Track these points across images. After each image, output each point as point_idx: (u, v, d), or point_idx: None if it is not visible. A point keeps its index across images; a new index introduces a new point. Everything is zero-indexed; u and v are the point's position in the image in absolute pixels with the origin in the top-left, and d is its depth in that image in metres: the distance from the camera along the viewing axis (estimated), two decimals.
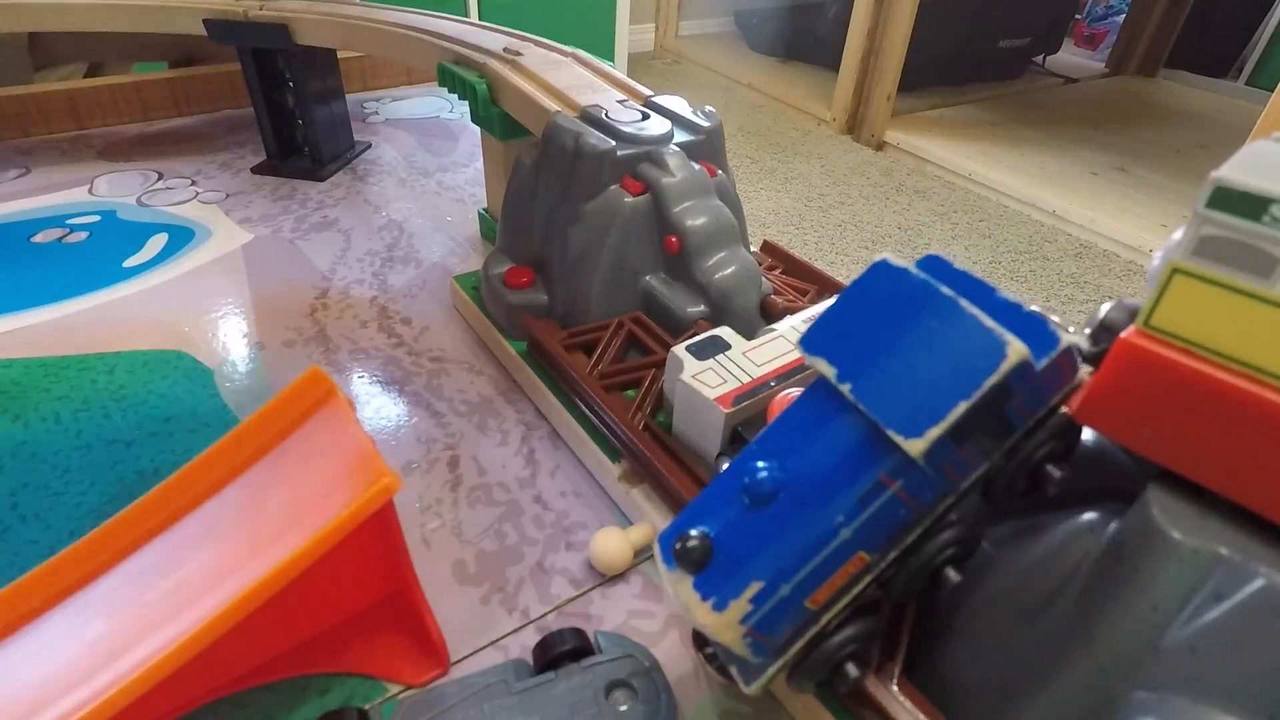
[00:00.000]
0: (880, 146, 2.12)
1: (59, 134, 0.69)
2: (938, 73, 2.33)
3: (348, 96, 0.69)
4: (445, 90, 0.49)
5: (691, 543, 0.19)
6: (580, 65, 0.49)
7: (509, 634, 0.29)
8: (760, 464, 0.19)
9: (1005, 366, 0.16)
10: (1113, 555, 0.20)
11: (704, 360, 0.33)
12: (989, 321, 0.17)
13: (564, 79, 0.45)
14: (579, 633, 0.25)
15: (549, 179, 0.40)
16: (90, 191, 0.60)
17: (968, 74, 2.44)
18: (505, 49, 0.49)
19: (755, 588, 0.18)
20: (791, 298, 0.43)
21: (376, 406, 0.40)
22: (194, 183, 0.62)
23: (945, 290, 0.17)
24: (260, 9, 0.57)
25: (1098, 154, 2.03)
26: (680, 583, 0.19)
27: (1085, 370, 0.20)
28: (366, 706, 0.24)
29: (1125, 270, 1.61)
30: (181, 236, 0.54)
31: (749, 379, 0.32)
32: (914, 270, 0.18)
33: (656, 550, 0.20)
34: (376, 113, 0.78)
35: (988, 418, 0.17)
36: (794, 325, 0.36)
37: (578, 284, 0.40)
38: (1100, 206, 1.75)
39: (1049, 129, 2.19)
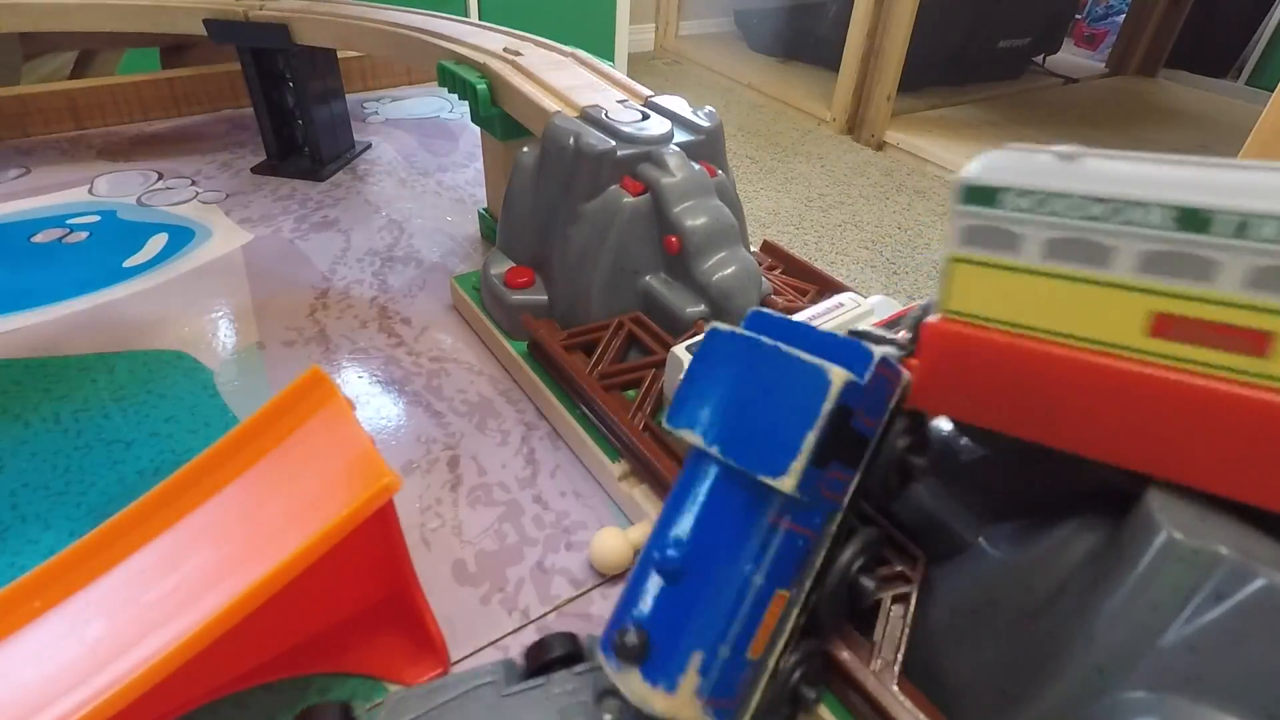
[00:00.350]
0: (880, 146, 2.12)
1: (59, 134, 0.69)
2: (938, 73, 2.33)
3: (348, 96, 0.69)
4: (445, 90, 0.49)
5: (629, 637, 0.19)
6: (580, 65, 0.49)
7: (509, 634, 0.29)
8: (666, 542, 0.20)
9: (833, 391, 0.18)
10: (1113, 555, 0.20)
11: None
12: (809, 357, 0.19)
13: (564, 79, 0.45)
14: (573, 638, 0.25)
15: (549, 179, 0.40)
16: (90, 191, 0.60)
17: (968, 74, 2.44)
18: (505, 49, 0.49)
19: (698, 659, 0.19)
20: (791, 298, 0.43)
21: (376, 406, 0.40)
22: (194, 183, 0.62)
23: (767, 340, 0.19)
24: (260, 9, 0.57)
25: None
26: (629, 678, 0.19)
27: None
28: (351, 701, 0.23)
29: None
30: (181, 236, 0.54)
31: None
32: (740, 330, 0.20)
33: (601, 657, 0.21)
34: (376, 113, 0.78)
35: (839, 438, 0.19)
36: None
37: (578, 284, 0.40)
38: None
39: (1049, 129, 2.19)
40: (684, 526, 0.20)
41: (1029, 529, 0.24)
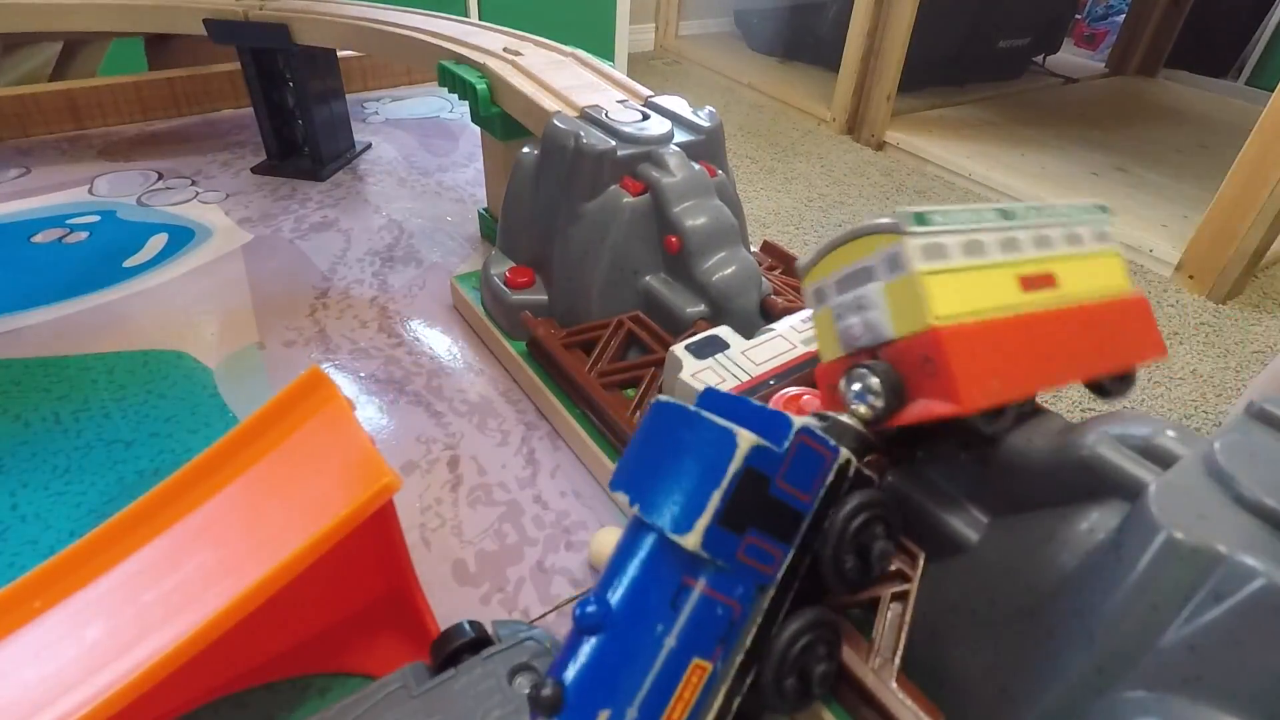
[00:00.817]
0: (880, 146, 2.12)
1: (59, 134, 0.69)
2: (938, 73, 2.33)
3: (348, 96, 0.69)
4: (445, 90, 0.49)
5: (545, 690, 0.19)
6: (580, 65, 0.49)
7: None
8: (589, 599, 0.20)
9: (739, 453, 0.19)
10: (1112, 554, 0.20)
11: (703, 359, 0.33)
12: (723, 421, 0.19)
13: (564, 79, 0.45)
14: (475, 625, 0.25)
15: (549, 179, 0.40)
16: (90, 191, 0.60)
17: (968, 74, 2.44)
18: (505, 49, 0.49)
19: (603, 717, 0.19)
20: (791, 298, 0.43)
21: (377, 406, 0.40)
22: (194, 183, 0.62)
23: (693, 409, 0.20)
24: (260, 9, 0.57)
25: (1098, 154, 2.03)
26: None
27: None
28: None
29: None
30: (181, 236, 0.54)
31: (748, 377, 0.32)
32: (677, 403, 0.21)
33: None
34: (376, 113, 0.78)
35: (752, 503, 0.19)
36: (793, 325, 0.36)
37: (578, 284, 0.40)
38: None
39: (1049, 129, 2.19)
40: (610, 584, 0.20)
41: (1029, 529, 0.24)
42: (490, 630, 0.25)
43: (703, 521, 0.19)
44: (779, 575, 0.20)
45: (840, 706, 0.25)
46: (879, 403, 0.23)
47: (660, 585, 0.20)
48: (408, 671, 0.23)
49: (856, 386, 0.23)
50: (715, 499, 0.19)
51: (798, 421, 0.20)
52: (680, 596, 0.19)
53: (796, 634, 0.21)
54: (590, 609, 0.20)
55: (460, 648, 0.24)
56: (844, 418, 0.23)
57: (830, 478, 0.21)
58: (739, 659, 0.20)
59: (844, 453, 0.21)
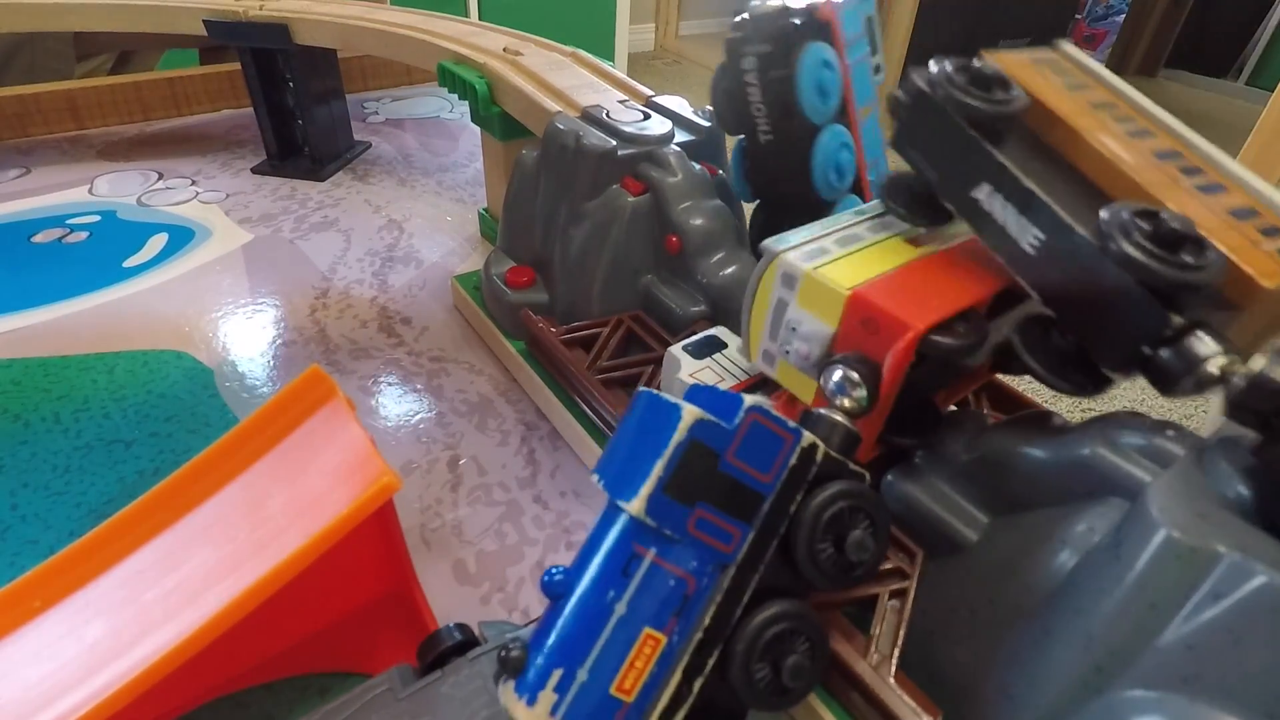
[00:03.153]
0: None
1: (59, 134, 0.69)
2: None
3: (348, 96, 0.69)
4: (445, 90, 0.49)
5: (512, 652, 0.20)
6: (580, 65, 0.49)
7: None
8: (556, 567, 0.21)
9: (682, 425, 0.20)
10: (1111, 554, 0.20)
11: (701, 359, 0.33)
12: (673, 399, 0.20)
13: (564, 79, 0.45)
14: (463, 627, 0.24)
15: (549, 179, 0.40)
16: (90, 191, 0.60)
17: None
18: (505, 49, 0.49)
19: (556, 675, 0.20)
20: None
21: (376, 406, 0.40)
22: (194, 183, 0.62)
23: (660, 394, 0.21)
24: (260, 9, 0.57)
25: None
26: (505, 688, 0.20)
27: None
28: None
29: None
30: (181, 236, 0.55)
31: (745, 377, 0.32)
32: (650, 390, 0.22)
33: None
34: (376, 113, 0.79)
35: (701, 476, 0.20)
36: None
37: (578, 283, 0.40)
38: None
39: None
40: (579, 555, 0.21)
41: (1029, 529, 0.24)
42: (477, 631, 0.25)
43: (646, 488, 0.19)
44: (740, 555, 0.20)
45: (839, 705, 0.25)
46: (859, 388, 0.23)
47: (614, 554, 0.20)
48: (394, 674, 0.23)
49: (834, 381, 0.24)
50: (659, 467, 0.20)
51: (749, 400, 0.20)
52: (632, 565, 0.20)
53: (768, 621, 0.21)
54: (557, 576, 0.21)
55: (447, 651, 0.23)
56: (832, 414, 0.23)
57: (793, 460, 0.21)
58: (698, 636, 0.20)
59: (808, 436, 0.21)
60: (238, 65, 0.65)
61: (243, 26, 0.57)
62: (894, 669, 0.23)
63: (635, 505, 0.20)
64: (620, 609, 0.20)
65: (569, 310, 0.40)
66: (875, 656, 0.24)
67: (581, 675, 0.20)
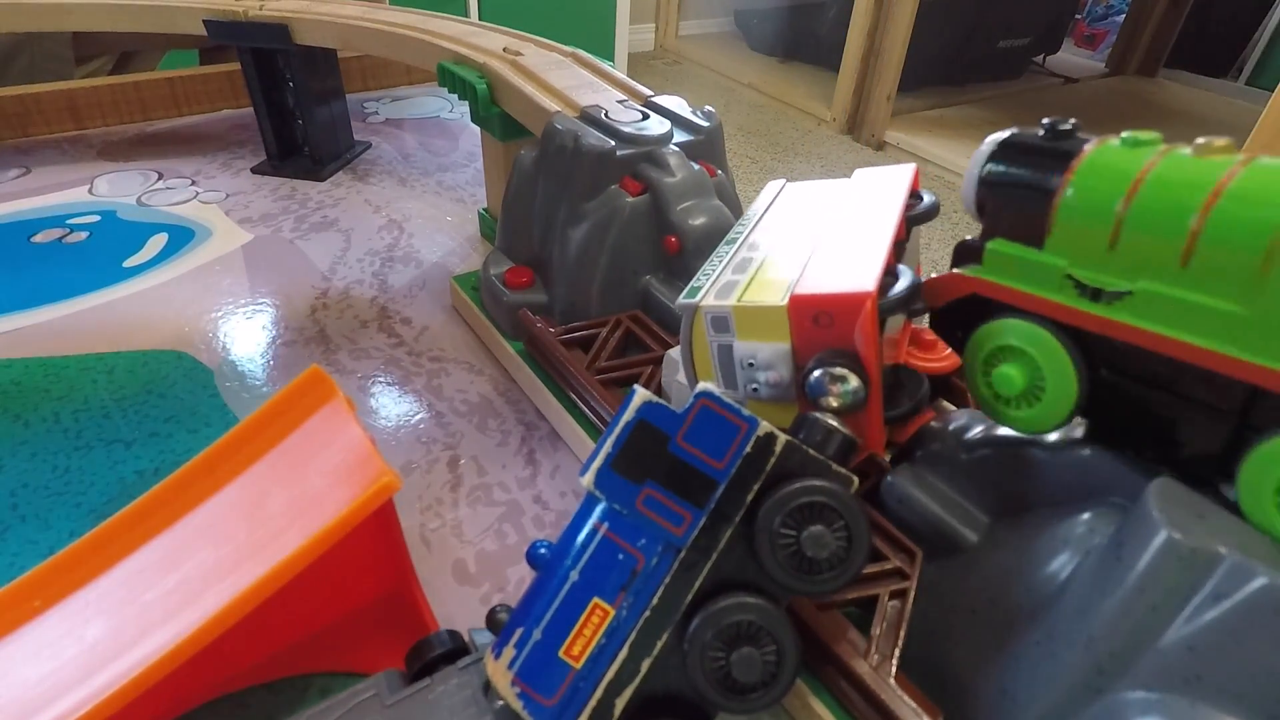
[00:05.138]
0: (880, 146, 2.12)
1: (59, 134, 0.69)
2: (938, 73, 2.33)
3: (348, 96, 0.69)
4: (445, 90, 0.49)
5: (498, 614, 0.23)
6: (580, 65, 0.49)
7: None
8: (543, 541, 0.23)
9: (632, 406, 0.21)
10: (1112, 555, 0.20)
11: None
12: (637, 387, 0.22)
13: (564, 79, 0.45)
14: (453, 634, 0.24)
15: (549, 179, 0.40)
16: (90, 191, 0.60)
17: (968, 74, 2.44)
18: (505, 49, 0.49)
19: (518, 634, 0.21)
20: None
21: (376, 406, 0.40)
22: (194, 183, 0.62)
23: (638, 386, 0.22)
24: (260, 9, 0.57)
25: None
26: (488, 650, 0.22)
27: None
28: None
29: None
30: (181, 236, 0.55)
31: None
32: (636, 387, 0.23)
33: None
34: (376, 113, 0.79)
35: (649, 455, 0.21)
36: None
37: (577, 284, 0.40)
38: None
39: None
40: (562, 532, 0.23)
41: (1029, 529, 0.24)
42: (467, 638, 0.24)
43: (596, 463, 0.21)
44: (691, 539, 0.21)
45: (839, 705, 0.25)
46: (841, 381, 0.23)
47: (575, 526, 0.22)
48: (381, 679, 0.23)
49: (812, 380, 0.23)
50: (609, 445, 0.21)
51: (702, 387, 0.21)
52: (589, 538, 0.22)
53: (724, 611, 0.20)
54: (540, 549, 0.23)
55: (436, 658, 0.23)
56: (824, 417, 0.22)
57: (748, 449, 0.21)
58: (646, 615, 0.21)
59: (764, 426, 0.21)
60: (238, 65, 0.65)
61: (243, 26, 0.57)
62: (894, 669, 0.23)
63: (587, 479, 0.21)
64: (574, 576, 0.21)
65: (568, 311, 0.40)
66: (875, 656, 0.24)
67: (536, 634, 0.21)
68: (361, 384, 0.42)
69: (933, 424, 0.28)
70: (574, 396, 0.37)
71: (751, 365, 0.25)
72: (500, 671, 0.21)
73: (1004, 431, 0.26)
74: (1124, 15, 2.76)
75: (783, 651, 0.21)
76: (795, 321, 0.24)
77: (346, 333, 0.46)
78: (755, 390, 0.26)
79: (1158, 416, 0.22)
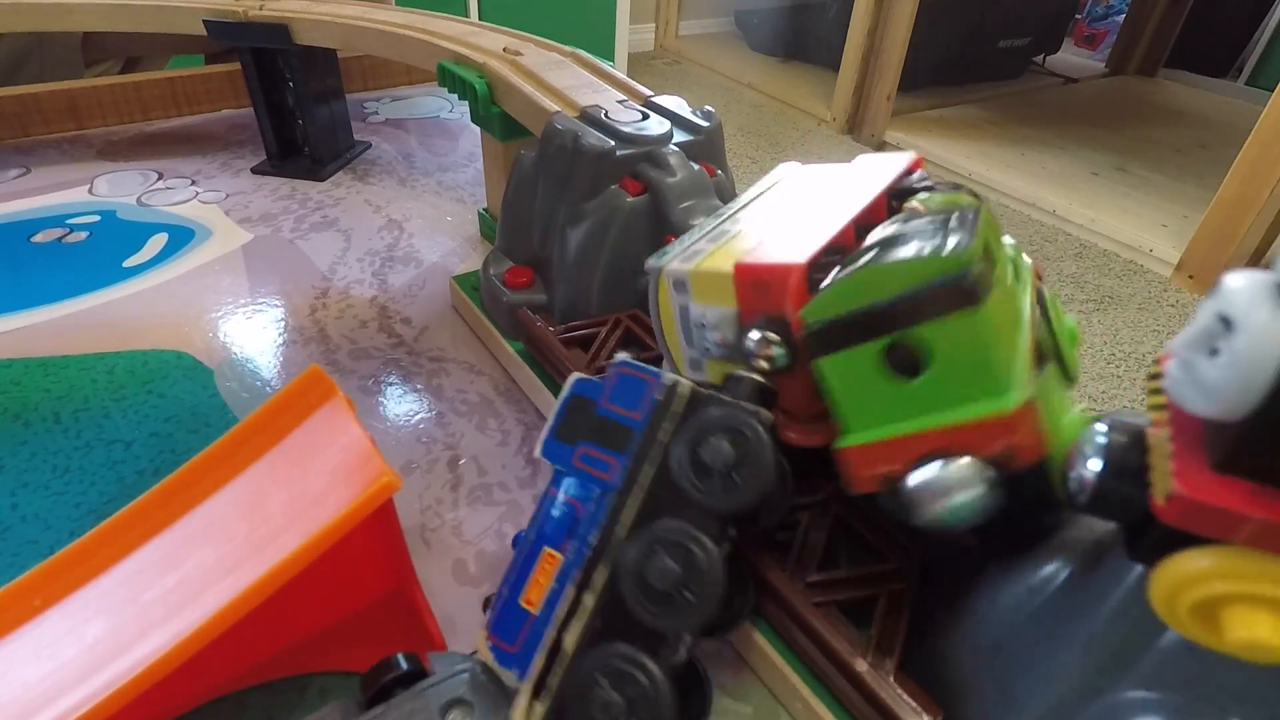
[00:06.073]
0: (880, 146, 2.12)
1: (59, 134, 0.69)
2: (938, 73, 2.33)
3: (348, 96, 0.69)
4: (445, 90, 0.49)
5: (491, 596, 0.25)
6: (580, 65, 0.49)
7: None
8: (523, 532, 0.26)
9: (567, 385, 0.26)
10: (1113, 554, 0.20)
11: None
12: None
13: (564, 79, 0.45)
14: (411, 657, 0.23)
15: (548, 179, 0.40)
16: (90, 191, 0.60)
17: (968, 74, 2.44)
18: (505, 49, 0.49)
19: (493, 596, 0.25)
20: None
21: (376, 406, 0.40)
22: (194, 182, 0.62)
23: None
24: (260, 9, 0.57)
25: (1098, 154, 2.03)
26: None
27: None
28: None
29: (1125, 270, 1.61)
30: (181, 236, 0.55)
31: None
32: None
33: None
34: (376, 112, 0.79)
35: (581, 420, 0.25)
36: None
37: (577, 284, 0.40)
38: (1100, 206, 1.75)
39: (1049, 129, 2.19)
40: None
41: (1029, 529, 0.24)
42: (427, 659, 0.24)
43: (543, 436, 0.26)
44: (620, 482, 0.24)
45: (839, 705, 0.25)
46: (771, 345, 0.24)
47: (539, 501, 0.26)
48: (336, 707, 0.22)
49: (749, 342, 0.25)
50: (551, 419, 0.26)
51: (619, 356, 0.25)
52: (543, 500, 0.25)
53: (655, 538, 0.22)
54: (526, 532, 0.25)
55: (392, 682, 0.23)
56: (750, 375, 0.24)
57: (658, 397, 0.24)
58: (587, 554, 0.23)
59: (669, 377, 0.24)
60: (238, 65, 0.65)
61: (243, 26, 0.57)
62: (894, 669, 0.23)
63: (537, 450, 0.26)
64: (531, 535, 0.25)
65: (568, 311, 0.40)
66: (875, 656, 0.24)
67: (504, 592, 0.24)
68: (361, 384, 0.42)
69: None
70: None
71: (703, 326, 0.27)
72: (483, 636, 0.24)
73: None
74: (1124, 15, 2.76)
75: (700, 566, 0.22)
76: (739, 287, 0.25)
77: (346, 332, 0.46)
78: (708, 350, 0.28)
79: None
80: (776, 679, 0.27)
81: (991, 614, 0.23)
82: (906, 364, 0.21)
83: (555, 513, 0.25)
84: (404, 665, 0.23)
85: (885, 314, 0.20)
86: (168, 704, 0.25)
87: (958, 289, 0.19)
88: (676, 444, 0.23)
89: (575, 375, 0.26)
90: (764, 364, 0.24)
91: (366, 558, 0.27)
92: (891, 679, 0.23)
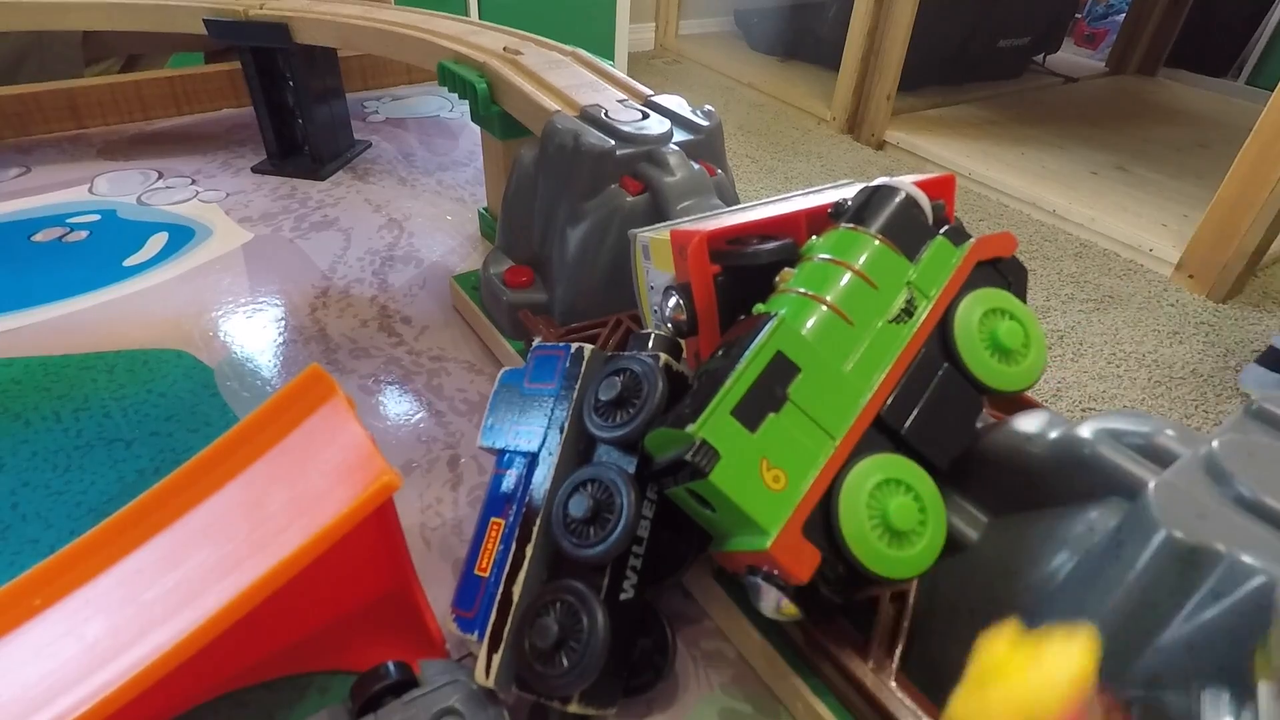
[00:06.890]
0: (880, 146, 2.12)
1: (59, 133, 0.69)
2: (938, 72, 2.33)
3: (348, 96, 0.69)
4: (445, 90, 0.49)
5: None
6: (580, 65, 0.49)
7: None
8: None
9: (498, 380, 0.30)
10: (1112, 553, 0.20)
11: None
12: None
13: (564, 78, 0.45)
14: (401, 666, 0.23)
15: (548, 178, 0.40)
16: (90, 190, 0.60)
17: (968, 73, 2.44)
18: (505, 49, 0.49)
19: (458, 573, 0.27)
20: None
21: (376, 405, 0.40)
22: (194, 182, 0.62)
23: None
24: (260, 8, 0.57)
25: (1098, 153, 2.03)
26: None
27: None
28: None
29: (1125, 269, 1.61)
30: (181, 236, 0.55)
31: None
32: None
33: None
34: (376, 112, 0.78)
35: (509, 403, 0.29)
36: None
37: (577, 283, 0.40)
38: (1100, 206, 1.75)
39: (1049, 128, 2.19)
40: None
41: (1028, 528, 0.24)
42: (417, 669, 0.24)
43: (482, 427, 0.30)
44: (541, 442, 0.27)
45: (839, 705, 0.25)
46: (677, 308, 0.28)
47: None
48: (325, 716, 0.22)
49: (664, 301, 0.28)
50: (487, 410, 0.30)
51: (536, 342, 0.30)
52: (491, 484, 0.28)
53: (575, 482, 0.25)
54: None
55: (382, 690, 0.23)
56: (658, 330, 0.28)
57: (566, 365, 0.28)
58: (523, 512, 0.26)
59: (575, 346, 0.28)
60: (238, 64, 0.65)
61: (243, 25, 0.57)
62: (894, 671, 0.23)
63: (478, 442, 0.29)
64: (482, 511, 0.27)
65: (568, 310, 0.40)
66: (876, 658, 0.24)
67: (463, 568, 0.27)
68: (361, 383, 0.42)
69: None
70: None
71: (653, 289, 0.31)
72: (448, 612, 0.26)
73: (1003, 431, 0.26)
74: (1124, 15, 2.76)
75: (616, 504, 0.24)
76: (674, 256, 0.29)
77: (346, 332, 0.46)
78: (663, 313, 0.30)
79: None
80: (776, 676, 0.27)
81: (991, 614, 0.23)
82: (706, 502, 0.23)
83: (497, 487, 0.28)
84: (394, 674, 0.23)
85: (672, 468, 0.23)
86: (168, 703, 0.25)
87: (692, 464, 0.21)
88: (587, 395, 0.27)
89: (503, 370, 0.30)
90: (670, 327, 0.29)
91: (366, 557, 0.27)
92: (892, 681, 0.23)
